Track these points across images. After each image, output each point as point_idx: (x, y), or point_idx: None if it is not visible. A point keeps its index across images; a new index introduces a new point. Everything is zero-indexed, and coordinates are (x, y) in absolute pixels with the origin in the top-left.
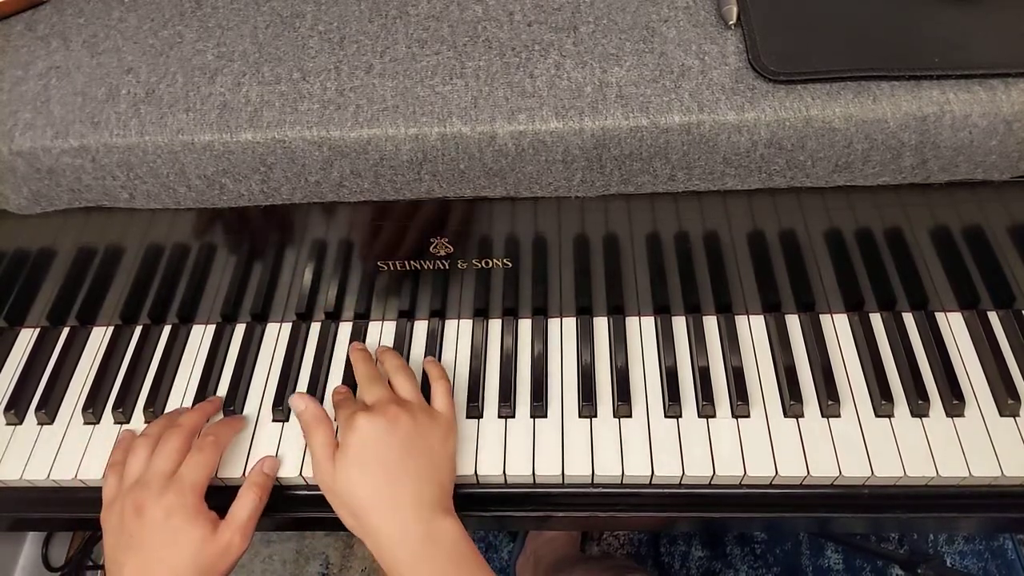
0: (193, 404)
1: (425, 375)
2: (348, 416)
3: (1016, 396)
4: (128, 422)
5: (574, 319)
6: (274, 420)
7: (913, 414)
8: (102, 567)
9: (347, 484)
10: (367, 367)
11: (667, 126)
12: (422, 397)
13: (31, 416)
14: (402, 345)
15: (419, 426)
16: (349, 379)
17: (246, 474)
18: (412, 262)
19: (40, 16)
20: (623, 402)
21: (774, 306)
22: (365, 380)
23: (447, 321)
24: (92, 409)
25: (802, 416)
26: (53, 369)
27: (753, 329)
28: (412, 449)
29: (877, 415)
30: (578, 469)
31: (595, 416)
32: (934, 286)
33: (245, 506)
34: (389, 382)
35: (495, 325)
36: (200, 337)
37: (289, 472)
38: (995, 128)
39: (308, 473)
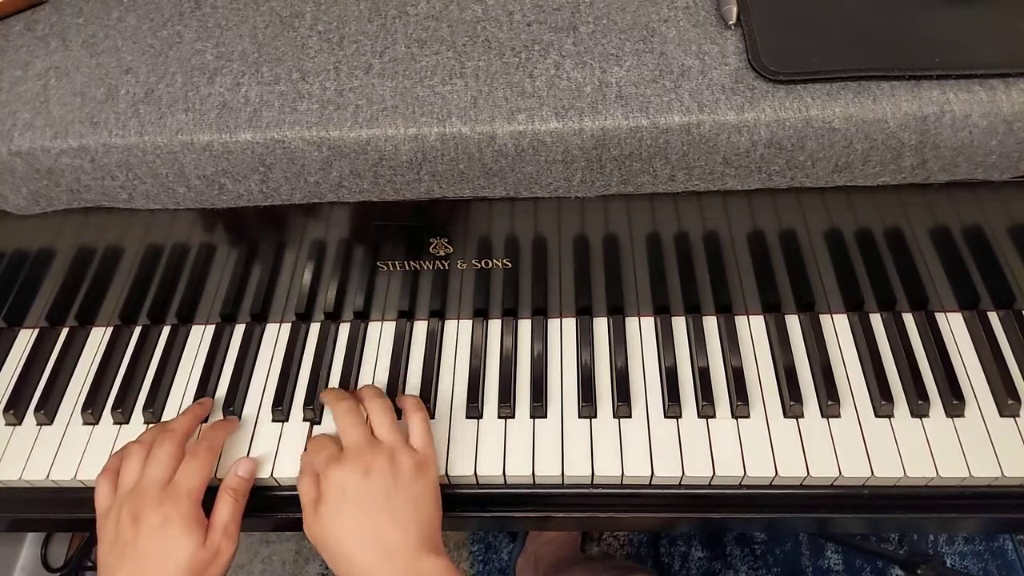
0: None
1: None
2: (323, 466)
3: (1016, 396)
4: (127, 422)
5: (574, 319)
6: (273, 420)
7: (913, 414)
8: None
9: (329, 534)
10: (340, 405)
11: (667, 126)
12: (399, 434)
13: (30, 416)
14: (402, 345)
15: (395, 467)
16: (346, 382)
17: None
18: (412, 262)
19: (39, 16)
20: (623, 402)
21: (774, 306)
22: (340, 419)
23: (447, 321)
24: (91, 409)
25: (802, 416)
26: (52, 369)
27: (753, 329)
28: (391, 493)
29: (877, 415)
30: (578, 469)
31: (595, 416)
32: (934, 286)
33: (223, 511)
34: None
35: (495, 325)
36: (200, 337)
37: (288, 472)
38: (995, 128)
39: None
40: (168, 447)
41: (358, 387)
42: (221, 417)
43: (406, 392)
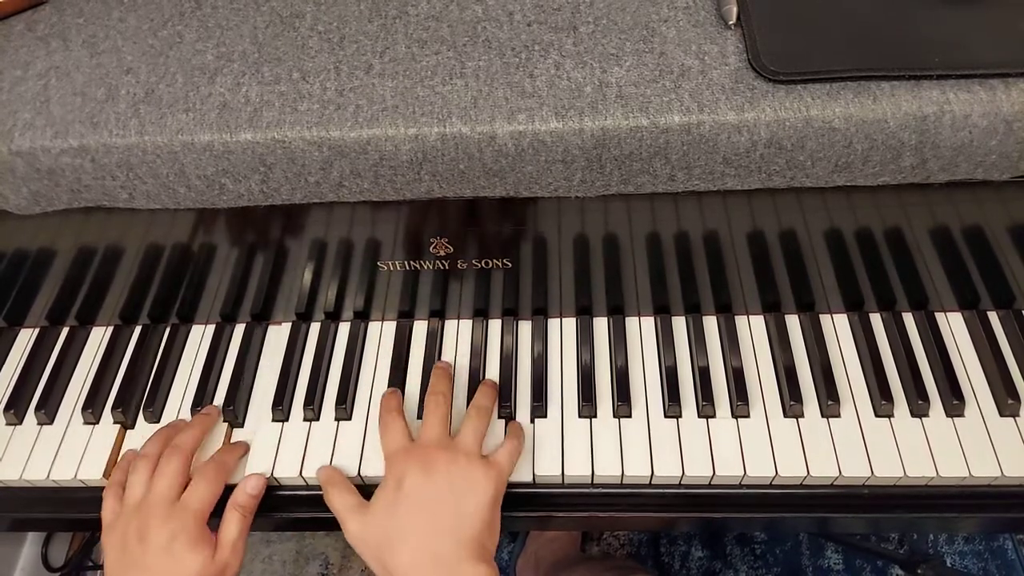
0: (193, 405)
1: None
2: (387, 450)
3: (1016, 396)
4: (127, 422)
5: (574, 319)
6: (274, 420)
7: (913, 414)
8: (102, 567)
9: (377, 526)
10: (432, 398)
11: (667, 126)
12: (480, 446)
13: (31, 416)
14: (402, 345)
15: (458, 470)
16: (346, 382)
17: (242, 482)
18: (412, 262)
19: (40, 16)
20: (623, 402)
21: (774, 306)
22: (427, 409)
23: (447, 321)
24: (92, 409)
25: (802, 416)
26: (53, 369)
27: (753, 329)
28: (449, 498)
29: (877, 415)
30: (578, 469)
31: (595, 416)
32: (934, 286)
33: (231, 529)
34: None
35: (495, 325)
36: (200, 337)
37: (288, 472)
38: (995, 128)
39: (308, 473)
40: (175, 463)
41: (431, 383)
42: (221, 419)
43: (405, 392)
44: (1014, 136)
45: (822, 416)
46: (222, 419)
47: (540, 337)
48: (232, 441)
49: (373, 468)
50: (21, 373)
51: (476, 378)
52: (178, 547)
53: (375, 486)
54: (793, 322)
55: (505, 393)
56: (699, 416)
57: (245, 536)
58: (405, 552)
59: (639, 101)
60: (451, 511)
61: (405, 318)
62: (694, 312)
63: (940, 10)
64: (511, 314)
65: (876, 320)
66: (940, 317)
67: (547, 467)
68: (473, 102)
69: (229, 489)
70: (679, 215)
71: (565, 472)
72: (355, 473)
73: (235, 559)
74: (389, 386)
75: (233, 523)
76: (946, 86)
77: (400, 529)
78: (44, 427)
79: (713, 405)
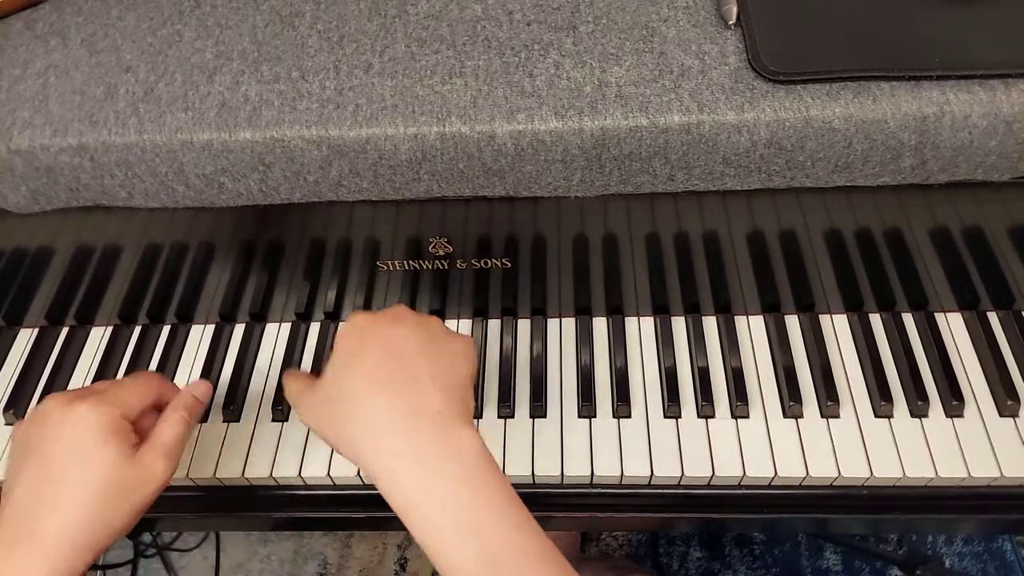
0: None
1: None
2: (349, 321)
3: (1016, 397)
4: None
5: (573, 319)
6: (273, 420)
7: (913, 415)
8: (101, 567)
9: (332, 384)
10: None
11: (667, 126)
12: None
13: None
14: None
15: (430, 327)
16: None
17: (245, 475)
18: (411, 262)
19: (39, 15)
20: (622, 402)
21: (773, 306)
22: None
23: (446, 321)
24: None
25: (801, 416)
26: (52, 369)
27: (752, 329)
28: (422, 338)
29: (876, 416)
30: (577, 469)
31: (594, 416)
32: (934, 286)
33: (169, 428)
34: None
35: (494, 325)
36: (199, 337)
37: (288, 472)
38: (995, 128)
39: (307, 473)
40: (123, 379)
41: None
42: (221, 418)
43: None
44: (1014, 136)
45: (821, 416)
46: (222, 419)
47: (539, 337)
48: (231, 443)
49: None
50: (21, 373)
51: (476, 378)
52: (85, 435)
53: None
54: (793, 322)
55: (505, 393)
56: (698, 416)
57: (181, 444)
58: (371, 406)
59: (639, 101)
60: (429, 356)
61: None
62: (693, 312)
63: (940, 10)
64: (510, 314)
65: (876, 320)
66: (940, 318)
67: (546, 467)
68: (472, 101)
69: None
70: (679, 215)
71: (564, 472)
72: (353, 473)
73: (165, 466)
74: None
75: (172, 424)
76: (946, 86)
77: (361, 377)
78: None
79: (712, 405)
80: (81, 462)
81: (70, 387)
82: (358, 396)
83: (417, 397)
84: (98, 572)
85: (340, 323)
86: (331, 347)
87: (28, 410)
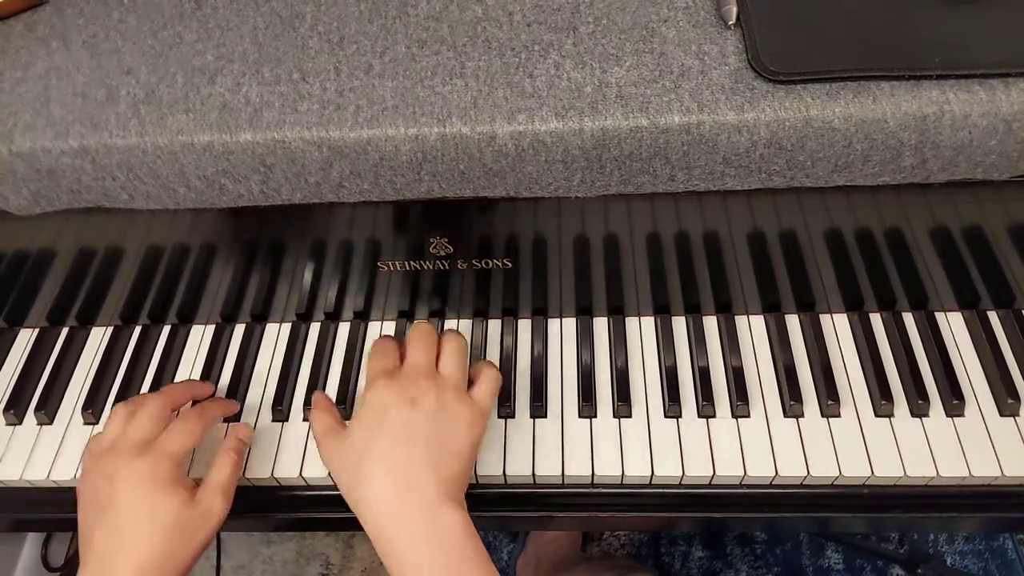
0: (192, 405)
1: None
2: (374, 376)
3: (1016, 396)
4: None
5: (574, 319)
6: (274, 420)
7: (913, 414)
8: None
9: (354, 453)
10: (419, 328)
11: (667, 126)
12: (463, 379)
13: (30, 416)
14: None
15: (445, 408)
16: (346, 382)
17: (246, 475)
18: (412, 262)
19: (40, 17)
20: (623, 402)
21: (774, 306)
22: (412, 338)
23: (447, 321)
24: (92, 409)
25: (802, 416)
26: (52, 369)
27: (753, 329)
28: (432, 431)
29: (877, 415)
30: (578, 469)
31: (595, 416)
32: (934, 286)
33: (222, 470)
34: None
35: (495, 325)
36: (200, 337)
37: (288, 472)
38: (995, 128)
39: (308, 473)
40: (153, 406)
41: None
42: (221, 419)
43: None
44: (1014, 136)
45: (822, 416)
46: (221, 419)
47: (540, 337)
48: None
49: None
50: (21, 373)
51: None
52: (148, 488)
53: None
54: (793, 322)
55: (505, 393)
56: (699, 416)
57: (234, 483)
58: (379, 482)
59: (639, 101)
60: (435, 446)
61: (405, 318)
62: (694, 312)
63: (940, 10)
64: (511, 314)
65: (876, 320)
66: (940, 317)
67: (547, 467)
68: (473, 102)
69: None
70: (679, 215)
71: (565, 472)
72: None
73: (222, 504)
74: None
75: (224, 465)
76: (946, 86)
77: (377, 457)
78: (44, 427)
79: (713, 405)
80: (149, 511)
81: (70, 387)
82: (367, 471)
83: (416, 482)
84: None
85: (340, 323)
86: (331, 349)
87: (28, 411)
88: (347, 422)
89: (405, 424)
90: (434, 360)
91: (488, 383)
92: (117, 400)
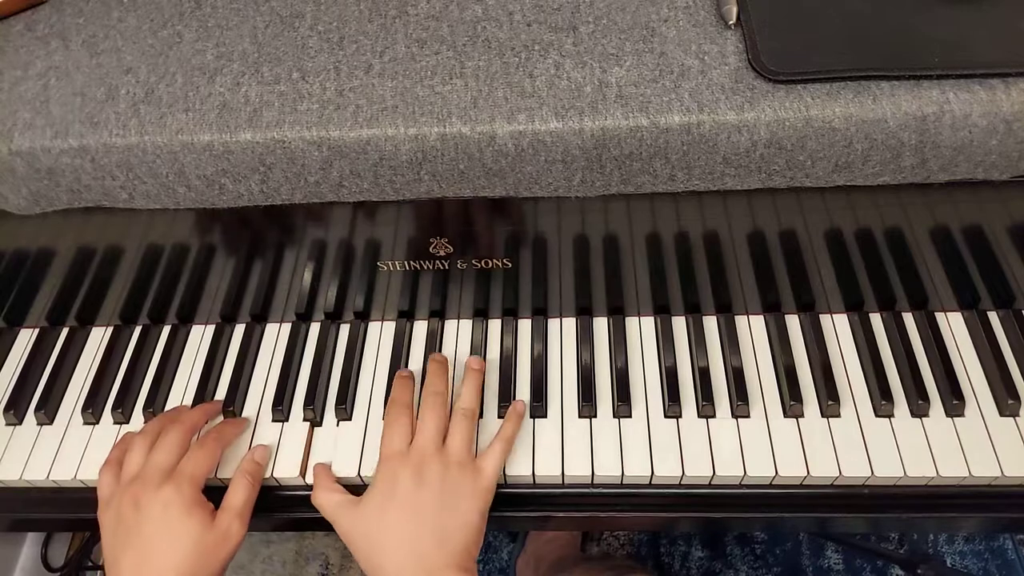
0: (193, 405)
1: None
2: (386, 452)
3: (1016, 396)
4: (128, 422)
5: (574, 319)
6: (274, 420)
7: (913, 414)
8: (101, 567)
9: (368, 527)
10: (429, 399)
11: (667, 126)
12: (471, 452)
13: (30, 416)
14: (401, 345)
15: (451, 483)
16: (346, 382)
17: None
18: (412, 262)
19: (39, 16)
20: (623, 402)
21: (774, 306)
22: (423, 413)
23: (447, 321)
24: (92, 409)
25: (802, 416)
26: (52, 369)
27: (753, 329)
28: (440, 508)
29: (877, 415)
30: (578, 469)
31: (595, 416)
32: (934, 286)
33: (239, 493)
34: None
35: (495, 325)
36: (200, 337)
37: (288, 472)
38: (995, 128)
39: (308, 473)
40: (174, 436)
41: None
42: (221, 419)
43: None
44: (1014, 136)
45: (822, 416)
46: (222, 418)
47: (540, 337)
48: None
49: (373, 468)
50: (21, 373)
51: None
52: (173, 513)
53: None
54: (793, 322)
55: (505, 393)
56: (699, 416)
57: (251, 506)
58: (392, 553)
59: (639, 101)
60: (439, 521)
61: (405, 318)
62: (694, 312)
63: (940, 10)
64: (511, 314)
65: (876, 320)
66: (940, 317)
67: (547, 467)
68: (473, 102)
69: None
70: (679, 215)
71: (565, 472)
72: (355, 473)
73: (240, 527)
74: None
75: (241, 489)
76: (946, 86)
77: (389, 531)
78: (44, 427)
79: (713, 405)
80: (172, 536)
81: (70, 388)
82: (382, 541)
83: (424, 552)
84: (99, 572)
85: (340, 323)
86: (331, 349)
87: (28, 411)
88: (358, 497)
89: (413, 500)
90: (443, 433)
91: (496, 451)
92: (116, 400)
